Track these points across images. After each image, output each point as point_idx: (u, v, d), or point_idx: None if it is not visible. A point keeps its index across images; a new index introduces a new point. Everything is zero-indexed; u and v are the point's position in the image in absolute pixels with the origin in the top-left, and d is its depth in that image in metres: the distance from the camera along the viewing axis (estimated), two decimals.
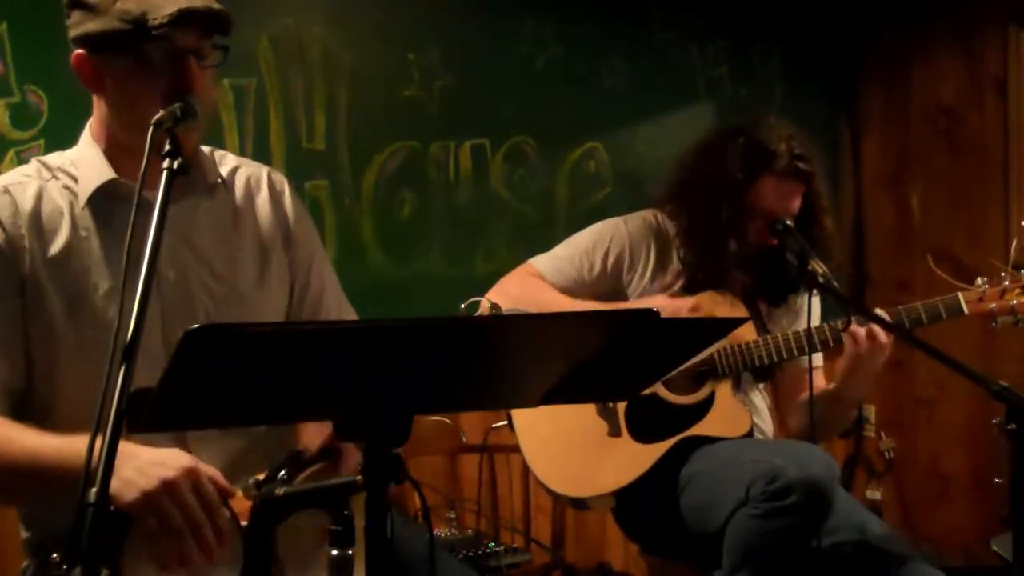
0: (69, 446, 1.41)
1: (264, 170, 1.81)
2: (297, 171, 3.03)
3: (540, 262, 2.51)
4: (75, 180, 1.63)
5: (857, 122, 4.44)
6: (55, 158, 1.68)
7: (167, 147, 1.36)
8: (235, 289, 1.69)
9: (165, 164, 1.35)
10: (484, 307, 2.35)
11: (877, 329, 2.20)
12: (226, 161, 1.78)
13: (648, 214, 2.51)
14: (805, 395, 2.34)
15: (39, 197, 1.61)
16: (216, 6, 1.55)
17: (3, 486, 1.53)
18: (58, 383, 1.59)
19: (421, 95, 3.27)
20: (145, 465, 1.37)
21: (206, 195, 1.70)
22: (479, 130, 3.39)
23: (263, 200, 1.77)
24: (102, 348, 1.23)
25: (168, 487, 1.35)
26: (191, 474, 1.38)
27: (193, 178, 1.64)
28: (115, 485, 1.32)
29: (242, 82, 2.92)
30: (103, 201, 1.61)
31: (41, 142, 2.58)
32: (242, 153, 2.90)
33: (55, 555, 1.57)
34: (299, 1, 3.09)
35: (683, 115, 3.90)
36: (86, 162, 1.64)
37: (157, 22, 1.50)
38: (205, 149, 1.73)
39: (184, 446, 1.49)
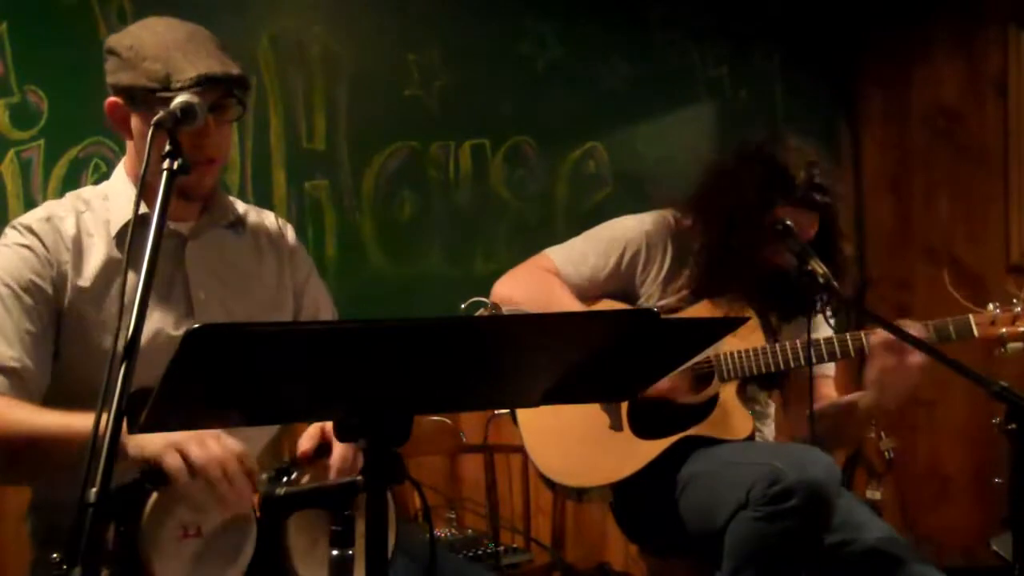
0: (75, 420, 1.48)
1: (272, 215, 1.95)
2: (297, 171, 3.04)
3: (556, 254, 2.48)
4: (108, 212, 1.72)
5: (857, 122, 4.44)
6: (88, 191, 1.78)
7: (167, 148, 1.39)
8: (256, 313, 1.80)
9: (165, 164, 1.38)
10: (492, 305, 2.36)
11: (905, 347, 2.12)
12: (238, 205, 1.89)
13: (668, 214, 2.48)
14: (815, 405, 2.31)
15: (78, 227, 1.70)
16: (235, 71, 1.64)
17: (16, 460, 1.58)
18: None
19: (421, 95, 3.27)
20: (170, 433, 1.45)
21: (229, 230, 1.83)
22: (479, 130, 3.39)
23: (274, 241, 1.90)
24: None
25: (191, 435, 1.45)
26: (212, 431, 1.47)
27: (216, 215, 1.80)
28: (144, 445, 1.44)
29: None
30: (135, 233, 1.65)
31: (41, 142, 2.57)
32: (242, 153, 2.91)
33: (55, 555, 1.58)
34: (299, 1, 3.09)
35: (683, 115, 3.90)
36: (119, 196, 1.73)
37: (179, 85, 1.58)
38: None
39: None
